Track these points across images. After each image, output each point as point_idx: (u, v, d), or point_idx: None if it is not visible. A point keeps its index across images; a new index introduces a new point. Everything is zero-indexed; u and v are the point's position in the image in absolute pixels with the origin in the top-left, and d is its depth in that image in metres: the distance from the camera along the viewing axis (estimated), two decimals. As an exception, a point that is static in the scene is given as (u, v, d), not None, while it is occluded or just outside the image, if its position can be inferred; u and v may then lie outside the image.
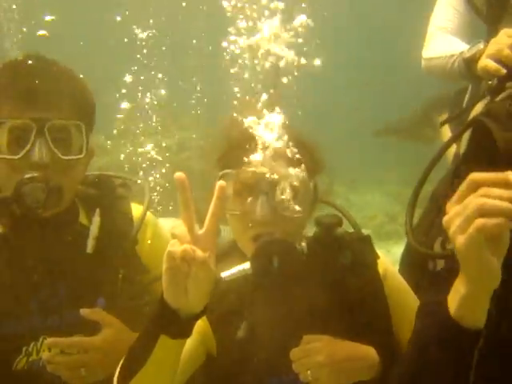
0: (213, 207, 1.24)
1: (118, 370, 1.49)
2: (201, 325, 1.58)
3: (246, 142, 1.58)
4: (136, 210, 1.91)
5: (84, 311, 1.67)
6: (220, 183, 1.26)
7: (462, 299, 1.08)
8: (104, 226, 1.82)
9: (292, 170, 1.58)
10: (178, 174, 1.26)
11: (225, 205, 1.26)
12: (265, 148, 1.58)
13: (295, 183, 1.58)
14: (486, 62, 1.86)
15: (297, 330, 1.55)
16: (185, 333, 1.40)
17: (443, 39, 2.37)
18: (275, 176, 1.56)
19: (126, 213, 1.89)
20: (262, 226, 1.54)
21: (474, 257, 1.02)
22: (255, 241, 1.54)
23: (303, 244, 1.61)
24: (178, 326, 1.36)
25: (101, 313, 1.71)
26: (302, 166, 1.59)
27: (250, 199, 1.56)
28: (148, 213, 1.92)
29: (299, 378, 1.50)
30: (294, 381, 1.53)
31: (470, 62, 2.05)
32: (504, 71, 1.80)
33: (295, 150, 1.59)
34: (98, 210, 1.83)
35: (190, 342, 1.50)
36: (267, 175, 1.55)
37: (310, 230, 1.72)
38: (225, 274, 1.54)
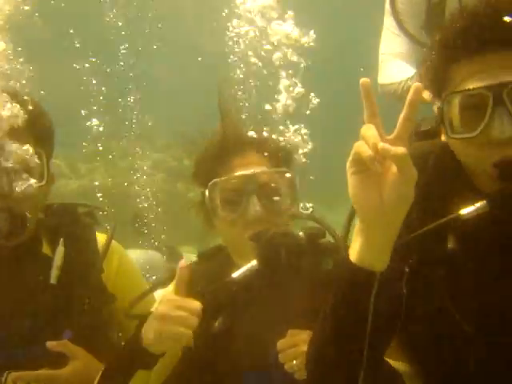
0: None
1: None
2: None
3: (225, 150, 1.69)
4: (101, 238, 1.89)
5: (50, 344, 1.64)
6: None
7: (356, 243, 1.12)
8: (68, 255, 1.77)
9: (274, 168, 1.69)
10: None
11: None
12: (242, 152, 1.69)
13: (278, 179, 1.68)
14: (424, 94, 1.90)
15: (279, 326, 1.56)
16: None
17: (393, 66, 2.45)
18: (260, 175, 1.65)
19: (91, 242, 1.85)
20: (257, 224, 1.59)
21: (356, 195, 1.08)
22: (253, 240, 1.57)
23: (301, 234, 1.65)
24: (152, 359, 1.42)
25: (67, 345, 1.67)
26: (279, 163, 1.70)
27: (240, 203, 1.62)
28: (114, 241, 1.89)
29: (275, 374, 1.53)
30: (270, 375, 1.56)
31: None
32: None
33: (269, 151, 1.71)
34: (61, 240, 1.78)
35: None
36: (252, 176, 1.64)
37: None
38: (235, 275, 1.56)
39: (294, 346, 1.50)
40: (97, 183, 8.65)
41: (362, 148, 1.04)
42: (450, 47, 1.24)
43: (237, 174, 1.65)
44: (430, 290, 1.30)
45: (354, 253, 1.13)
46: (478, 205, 1.23)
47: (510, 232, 1.24)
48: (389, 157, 1.02)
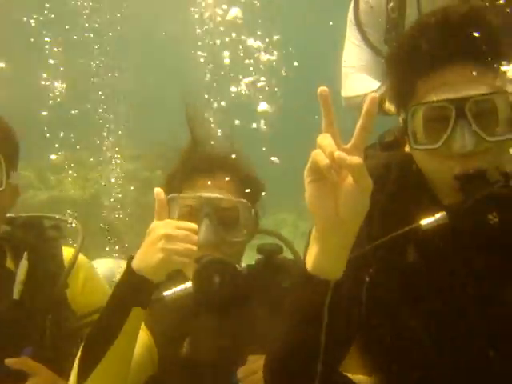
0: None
1: (78, 356, 1.47)
2: (145, 339, 1.60)
3: (192, 167, 1.68)
4: (68, 252, 1.85)
5: (9, 361, 1.60)
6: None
7: (312, 251, 1.12)
8: (32, 270, 1.72)
9: (235, 197, 1.67)
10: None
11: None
12: (210, 173, 1.67)
13: (238, 209, 1.66)
14: (389, 105, 1.94)
15: (239, 348, 1.58)
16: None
17: (357, 78, 2.42)
18: (219, 201, 1.63)
19: (56, 256, 1.82)
20: (205, 248, 1.57)
21: (312, 203, 1.08)
22: (196, 262, 1.56)
23: (243, 265, 1.67)
24: (148, 292, 1.44)
25: (27, 362, 1.63)
26: (245, 192, 1.69)
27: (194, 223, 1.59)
28: (81, 255, 1.85)
29: None
30: None
31: (380, 102, 2.10)
32: None
33: (238, 177, 1.70)
34: (25, 254, 1.73)
35: (137, 352, 1.51)
36: (211, 200, 1.62)
37: (252, 258, 1.78)
38: (167, 293, 1.56)
39: (254, 373, 1.50)
40: (67, 194, 8.53)
41: (318, 156, 1.03)
42: (413, 61, 1.26)
43: (197, 194, 1.64)
44: (390, 299, 1.32)
45: (310, 261, 1.13)
46: (438, 216, 1.25)
47: (469, 243, 1.27)
48: (344, 166, 1.02)
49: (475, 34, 1.20)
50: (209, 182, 1.67)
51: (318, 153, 1.04)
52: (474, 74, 1.21)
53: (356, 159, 1.01)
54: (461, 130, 1.19)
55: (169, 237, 1.41)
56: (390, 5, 2.21)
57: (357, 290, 1.25)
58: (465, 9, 1.26)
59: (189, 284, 1.55)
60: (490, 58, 1.21)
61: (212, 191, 1.64)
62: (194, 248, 1.42)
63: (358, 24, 2.37)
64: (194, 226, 1.46)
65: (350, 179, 1.05)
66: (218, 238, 1.61)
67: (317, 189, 1.07)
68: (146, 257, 1.42)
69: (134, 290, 1.43)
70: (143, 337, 1.57)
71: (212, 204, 1.62)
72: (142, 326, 1.54)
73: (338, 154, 1.00)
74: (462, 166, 1.21)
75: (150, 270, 1.42)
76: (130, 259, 1.47)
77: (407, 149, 1.35)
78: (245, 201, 1.67)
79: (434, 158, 1.26)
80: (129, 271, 1.45)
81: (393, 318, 1.33)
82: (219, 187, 1.66)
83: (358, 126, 1.07)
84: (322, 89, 1.08)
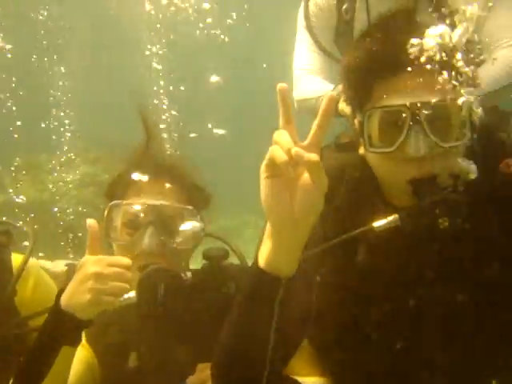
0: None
1: None
2: (86, 355, 1.57)
3: (137, 172, 1.63)
4: (17, 258, 1.79)
5: None
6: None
7: (265, 247, 1.13)
8: None
9: (181, 204, 1.63)
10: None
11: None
12: (155, 180, 1.64)
13: (183, 216, 1.62)
14: (342, 106, 1.94)
15: (187, 358, 1.57)
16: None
17: (308, 81, 2.41)
18: (164, 208, 1.60)
19: (4, 262, 1.75)
20: (149, 256, 1.55)
21: (267, 200, 1.08)
22: (140, 271, 1.53)
23: (188, 274, 1.63)
24: (78, 330, 1.39)
25: None
26: (191, 200, 1.66)
27: (138, 230, 1.58)
28: (32, 260, 1.80)
29: None
30: None
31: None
32: None
33: (184, 184, 1.67)
34: None
35: (77, 370, 1.49)
36: (156, 207, 1.59)
37: (198, 263, 1.76)
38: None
39: (204, 383, 1.48)
40: (23, 197, 8.31)
41: (276, 152, 1.03)
42: (370, 66, 1.27)
43: (141, 201, 1.60)
44: (340, 299, 1.34)
45: (262, 257, 1.13)
46: (390, 218, 1.26)
47: (419, 246, 1.29)
48: (302, 162, 1.02)
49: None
50: (153, 189, 1.63)
51: (275, 149, 1.03)
52: (429, 80, 1.22)
53: (313, 156, 1.01)
54: (415, 135, 1.21)
55: (99, 275, 1.36)
56: (344, 6, 2.23)
57: (308, 289, 1.25)
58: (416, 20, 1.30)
59: (132, 294, 1.49)
60: (444, 66, 1.22)
61: (157, 198, 1.61)
62: (127, 286, 1.39)
63: (309, 27, 2.38)
64: (127, 262, 1.42)
65: (305, 176, 1.05)
66: (163, 246, 1.57)
67: (272, 185, 1.07)
68: (74, 296, 1.37)
69: (63, 328, 1.38)
70: (84, 354, 1.54)
71: (157, 211, 1.59)
72: (83, 341, 1.51)
73: (295, 150, 1.00)
74: (415, 170, 1.23)
75: (79, 309, 1.37)
76: (58, 295, 1.42)
77: (362, 151, 1.36)
78: (190, 207, 1.63)
79: (388, 162, 1.28)
80: (56, 309, 1.39)
81: (343, 318, 1.35)
82: (164, 194, 1.63)
83: (315, 124, 1.07)
84: (281, 85, 1.08)
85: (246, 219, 11.51)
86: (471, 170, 1.23)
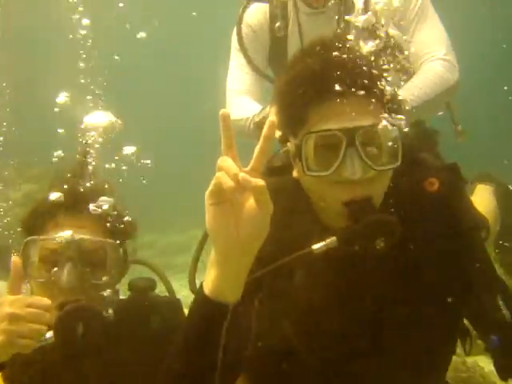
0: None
1: None
2: None
3: (55, 204, 1.57)
4: None
5: None
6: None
7: (211, 274, 1.14)
8: None
9: (102, 236, 1.59)
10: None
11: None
12: (74, 213, 1.59)
13: (105, 249, 1.58)
14: None
15: None
16: None
17: (239, 102, 2.44)
18: (83, 242, 1.54)
19: None
20: (68, 293, 1.50)
21: (213, 226, 1.09)
22: (60, 310, 1.47)
23: (110, 311, 1.59)
24: None
25: None
26: (113, 232, 1.62)
27: (56, 266, 1.52)
28: None
29: None
30: None
31: (260, 126, 2.12)
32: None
33: (105, 216, 1.61)
34: None
35: None
36: (75, 242, 1.53)
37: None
38: None
39: None
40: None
41: (223, 179, 1.04)
42: (305, 90, 1.28)
43: (59, 236, 1.53)
44: (278, 324, 1.35)
45: (208, 285, 1.14)
46: (327, 240, 1.28)
47: (357, 267, 1.33)
48: (249, 188, 1.03)
49: (363, 69, 1.27)
50: (72, 222, 1.58)
51: (221, 175, 1.04)
52: (363, 104, 1.26)
53: (260, 181, 1.03)
54: (351, 158, 1.24)
55: (15, 317, 1.31)
56: (277, 24, 2.29)
57: (248, 314, 1.28)
58: (349, 46, 1.33)
59: (50, 334, 1.44)
60: (376, 91, 1.28)
61: (76, 231, 1.55)
62: (44, 328, 1.35)
63: (242, 49, 2.42)
64: (46, 302, 1.37)
65: (251, 201, 1.07)
66: (82, 282, 1.53)
67: (218, 212, 1.08)
68: None
69: None
70: None
71: (76, 246, 1.53)
72: (0, 381, 1.48)
73: (242, 176, 1.02)
74: (350, 192, 1.26)
75: None
76: None
77: (296, 174, 1.38)
78: (111, 241, 1.60)
79: (324, 185, 1.30)
80: None
81: (281, 343, 1.36)
82: (84, 227, 1.58)
83: (257, 149, 1.09)
84: (223, 111, 1.09)
85: (194, 234, 11.47)
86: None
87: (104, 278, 1.57)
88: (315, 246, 1.29)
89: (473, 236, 1.41)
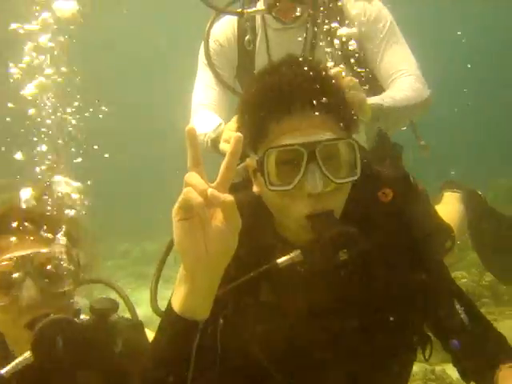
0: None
1: None
2: None
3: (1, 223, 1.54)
4: None
5: None
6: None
7: (180, 291, 1.14)
8: None
9: (51, 248, 1.56)
10: None
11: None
12: (24, 231, 1.54)
13: (57, 259, 1.55)
14: (223, 147, 2.00)
15: None
16: None
17: (202, 116, 2.43)
18: (36, 256, 1.51)
19: None
20: (34, 309, 1.46)
21: (181, 242, 1.09)
22: (30, 328, 1.43)
23: (81, 316, 1.59)
24: None
25: None
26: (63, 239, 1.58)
27: (13, 286, 1.48)
28: None
29: None
30: None
31: (216, 143, 2.14)
32: None
33: (55, 228, 1.59)
34: None
35: None
36: (26, 257, 1.50)
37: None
38: (4, 370, 1.41)
39: None
40: None
41: (190, 194, 1.03)
42: (266, 105, 1.29)
43: (9, 256, 1.49)
44: (243, 340, 1.36)
45: (177, 302, 1.13)
46: (292, 254, 1.29)
47: (322, 280, 1.33)
48: (218, 203, 1.03)
49: (323, 86, 1.29)
50: (23, 239, 1.53)
51: (189, 191, 1.04)
52: (323, 119, 1.29)
53: (229, 197, 1.04)
54: (312, 173, 1.25)
55: None
56: (247, 37, 2.29)
57: (213, 332, 1.28)
58: (309, 61, 1.36)
59: (27, 354, 1.40)
60: (335, 107, 1.30)
61: (27, 248, 1.51)
62: None
63: (210, 63, 2.41)
64: None
65: (219, 217, 1.08)
66: (44, 294, 1.49)
67: (186, 227, 1.07)
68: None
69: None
70: None
71: (28, 261, 1.50)
72: None
73: (211, 191, 1.03)
74: (312, 206, 1.27)
75: None
76: None
77: (256, 189, 1.39)
78: (61, 249, 1.57)
79: (286, 199, 1.30)
80: None
81: (245, 359, 1.36)
82: (35, 241, 1.54)
83: (223, 165, 1.10)
84: (189, 127, 1.09)
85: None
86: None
87: (64, 287, 1.55)
88: (279, 260, 1.30)
89: (428, 243, 1.45)
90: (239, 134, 1.10)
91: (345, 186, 1.32)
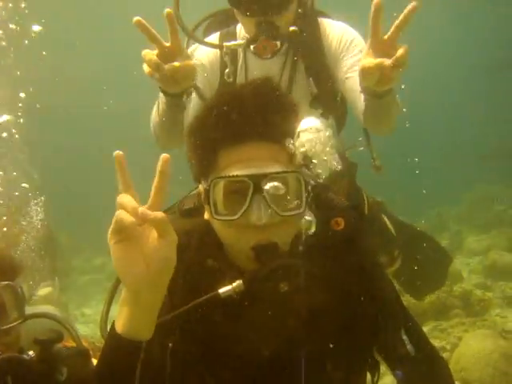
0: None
1: None
2: None
3: None
4: None
5: None
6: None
7: (122, 313, 1.14)
8: None
9: None
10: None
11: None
12: None
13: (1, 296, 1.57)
14: (143, 67, 1.85)
15: None
16: None
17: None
18: None
19: None
20: None
21: (120, 264, 1.10)
22: None
23: (30, 352, 1.59)
24: None
25: None
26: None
27: None
28: None
29: None
30: None
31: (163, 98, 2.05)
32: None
33: None
34: None
35: None
36: None
37: None
38: None
39: None
40: None
41: (122, 215, 1.04)
42: (215, 134, 1.29)
43: None
44: (191, 366, 1.36)
45: (120, 324, 1.14)
46: (234, 284, 1.29)
47: (263, 310, 1.33)
48: (149, 220, 1.05)
49: (273, 117, 1.29)
50: None
51: (121, 212, 1.05)
52: (272, 151, 1.29)
53: (159, 213, 1.05)
54: (257, 204, 1.26)
55: None
56: (227, 70, 2.25)
57: (162, 357, 1.30)
58: (264, 91, 1.34)
59: None
60: (284, 139, 1.30)
61: None
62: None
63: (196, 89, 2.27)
64: None
65: (154, 235, 1.09)
66: None
67: (123, 249, 1.09)
68: None
69: None
70: None
71: None
72: None
73: (141, 209, 1.05)
74: (257, 237, 1.28)
75: None
76: None
77: (207, 216, 1.39)
78: (5, 282, 1.58)
79: (232, 229, 1.31)
80: None
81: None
82: None
83: (154, 186, 1.11)
84: (117, 153, 1.10)
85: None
86: (311, 224, 1.33)
87: (8, 322, 1.56)
88: (221, 290, 1.30)
89: (376, 271, 1.48)
90: (166, 155, 1.11)
91: (292, 219, 1.32)
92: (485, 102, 23.35)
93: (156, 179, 1.10)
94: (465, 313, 5.86)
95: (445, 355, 4.74)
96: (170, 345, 1.31)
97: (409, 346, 1.44)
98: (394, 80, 1.69)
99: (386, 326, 1.43)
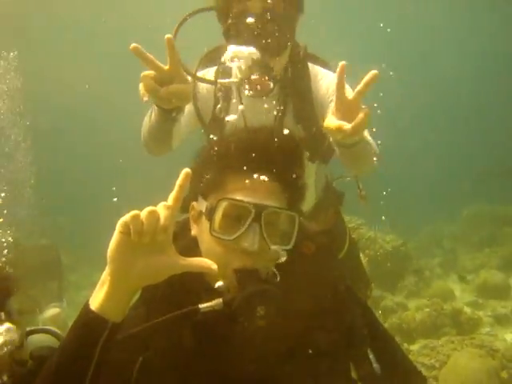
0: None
1: None
2: None
3: None
4: None
5: None
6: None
7: (98, 293, 1.25)
8: None
9: None
10: None
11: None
12: None
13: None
14: (140, 88, 1.94)
15: None
16: None
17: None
18: None
19: None
20: None
21: (114, 249, 1.21)
22: None
23: (5, 378, 1.64)
24: None
25: None
26: None
27: None
28: None
29: None
30: None
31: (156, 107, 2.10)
32: None
33: None
34: None
35: None
36: None
37: None
38: None
39: None
40: None
41: (147, 219, 1.18)
42: (226, 161, 1.41)
43: None
44: (163, 379, 1.39)
45: (95, 301, 1.24)
46: (214, 302, 1.34)
47: (239, 332, 1.37)
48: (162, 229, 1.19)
49: (283, 160, 1.43)
50: None
51: (147, 215, 1.19)
52: (278, 187, 1.42)
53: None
54: (253, 231, 1.35)
55: None
56: (219, 106, 2.31)
57: (128, 367, 1.36)
58: (280, 137, 1.46)
59: None
60: (289, 180, 1.44)
61: None
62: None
63: (196, 108, 2.39)
64: None
65: (160, 249, 1.23)
66: None
67: (124, 241, 1.20)
68: None
69: None
70: None
71: None
72: None
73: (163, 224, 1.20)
74: (243, 261, 1.36)
75: None
76: None
77: (195, 232, 1.49)
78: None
79: (221, 248, 1.38)
80: None
81: None
82: None
83: (172, 196, 1.25)
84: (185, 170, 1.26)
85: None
86: (282, 254, 1.40)
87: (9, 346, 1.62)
88: (202, 306, 1.35)
89: (346, 293, 1.55)
90: (188, 170, 1.26)
91: (276, 253, 1.40)
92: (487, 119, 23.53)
93: (174, 191, 1.25)
94: (455, 331, 5.94)
95: (434, 373, 4.82)
96: (141, 358, 1.37)
97: (375, 365, 1.50)
98: (358, 135, 1.78)
99: (355, 345, 1.51)
